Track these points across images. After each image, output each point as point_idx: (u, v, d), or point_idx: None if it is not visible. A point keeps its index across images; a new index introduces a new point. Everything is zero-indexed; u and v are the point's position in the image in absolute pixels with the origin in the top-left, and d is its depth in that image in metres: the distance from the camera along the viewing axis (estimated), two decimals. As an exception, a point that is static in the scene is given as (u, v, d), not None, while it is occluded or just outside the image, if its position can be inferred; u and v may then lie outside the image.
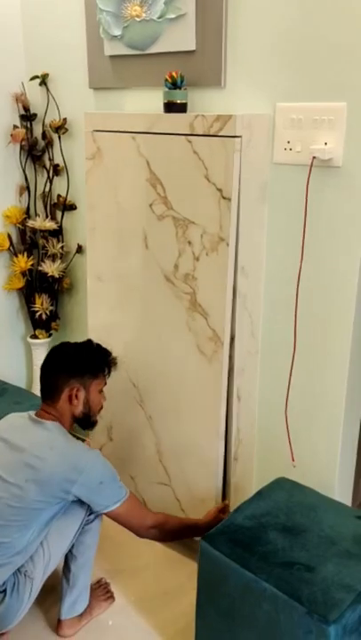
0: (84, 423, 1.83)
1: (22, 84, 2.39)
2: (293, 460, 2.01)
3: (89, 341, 1.89)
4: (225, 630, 1.57)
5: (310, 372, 1.92)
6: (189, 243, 1.88)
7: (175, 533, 1.87)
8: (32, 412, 1.78)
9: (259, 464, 2.16)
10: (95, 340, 1.94)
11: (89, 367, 1.80)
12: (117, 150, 2.01)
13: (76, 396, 1.76)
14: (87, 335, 2.18)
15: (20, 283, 2.53)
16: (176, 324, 1.99)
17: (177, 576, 2.08)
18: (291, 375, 1.95)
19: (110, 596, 2.00)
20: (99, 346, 1.87)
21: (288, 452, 2.04)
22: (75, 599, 1.86)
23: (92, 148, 2.08)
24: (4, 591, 1.62)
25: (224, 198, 1.75)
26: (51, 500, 1.64)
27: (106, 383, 1.86)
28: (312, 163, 1.68)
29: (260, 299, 1.98)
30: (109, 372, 1.87)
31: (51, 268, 2.45)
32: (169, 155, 1.87)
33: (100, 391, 1.84)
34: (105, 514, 1.73)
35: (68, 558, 1.84)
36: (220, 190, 1.75)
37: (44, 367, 1.82)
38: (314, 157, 1.67)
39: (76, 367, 1.78)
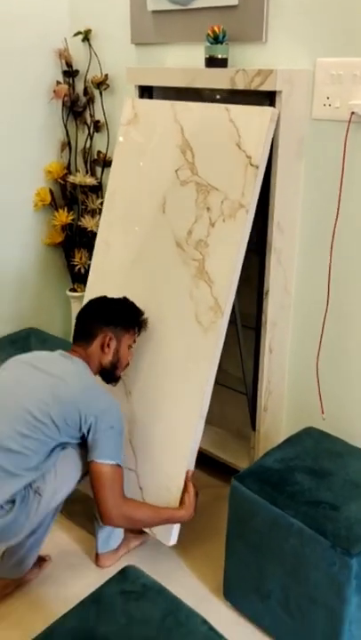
0: (109, 376, 1.87)
1: (65, 39, 2.43)
2: (323, 412, 2.09)
3: (125, 298, 1.94)
4: (253, 563, 1.67)
5: (342, 326, 1.97)
6: (208, 209, 1.88)
7: (149, 523, 1.82)
8: (61, 351, 1.83)
9: (287, 415, 2.24)
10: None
11: (124, 320, 1.86)
12: (154, 116, 2.03)
13: (109, 344, 1.82)
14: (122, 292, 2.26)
15: (60, 237, 2.61)
16: (179, 291, 1.95)
17: (207, 513, 2.20)
18: (323, 330, 2.00)
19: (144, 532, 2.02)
20: (133, 304, 1.92)
21: (317, 404, 2.11)
22: (108, 535, 1.94)
23: (129, 114, 2.10)
24: (14, 502, 1.62)
25: (252, 165, 1.77)
26: (66, 427, 1.65)
27: (135, 341, 1.92)
28: (351, 118, 1.70)
29: (295, 254, 2.03)
30: (140, 331, 1.92)
31: (90, 223, 2.53)
32: (204, 122, 1.89)
33: (130, 347, 1.89)
34: (95, 465, 1.65)
35: None
36: (249, 157, 1.77)
37: (81, 313, 1.88)
38: (353, 113, 1.69)
39: (113, 317, 1.85)
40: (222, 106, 1.83)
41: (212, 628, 1.25)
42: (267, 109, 1.73)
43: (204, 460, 2.40)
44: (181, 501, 1.83)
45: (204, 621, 1.27)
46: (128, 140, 2.13)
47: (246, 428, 2.35)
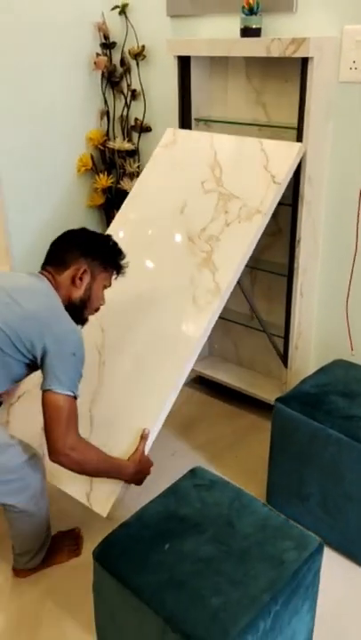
0: (75, 315, 1.66)
1: (102, 13, 2.61)
2: (353, 349, 2.34)
3: (109, 236, 1.81)
4: (294, 471, 1.94)
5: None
6: (226, 212, 2.05)
7: (97, 468, 1.62)
8: (28, 271, 1.69)
9: (315, 353, 2.50)
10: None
11: (104, 256, 1.71)
12: (191, 142, 2.28)
13: (81, 277, 1.66)
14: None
15: (101, 199, 2.84)
16: (180, 278, 2.00)
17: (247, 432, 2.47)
18: (352, 272, 2.24)
19: (76, 550, 1.91)
20: (117, 244, 1.77)
21: (342, 341, 2.37)
22: (19, 559, 1.82)
23: (168, 139, 2.34)
24: None
25: (275, 183, 2.01)
26: (18, 341, 1.51)
27: (110, 284, 1.77)
28: (376, 80, 1.91)
29: (322, 206, 2.25)
30: (118, 274, 1.77)
31: (128, 185, 2.75)
32: (238, 150, 2.17)
33: (104, 288, 1.74)
34: (50, 394, 1.51)
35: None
36: (273, 176, 2.03)
37: (57, 239, 1.73)
38: (378, 74, 1.90)
39: (92, 250, 1.69)
40: (256, 139, 2.13)
41: (271, 509, 1.52)
42: (295, 145, 2.04)
43: (237, 397, 2.68)
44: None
45: (264, 504, 1.54)
46: (162, 157, 2.34)
47: (276, 369, 2.62)
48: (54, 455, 1.53)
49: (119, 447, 1.74)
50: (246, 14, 2.08)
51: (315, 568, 1.42)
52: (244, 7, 2.07)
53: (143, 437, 1.72)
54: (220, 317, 2.00)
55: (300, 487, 1.94)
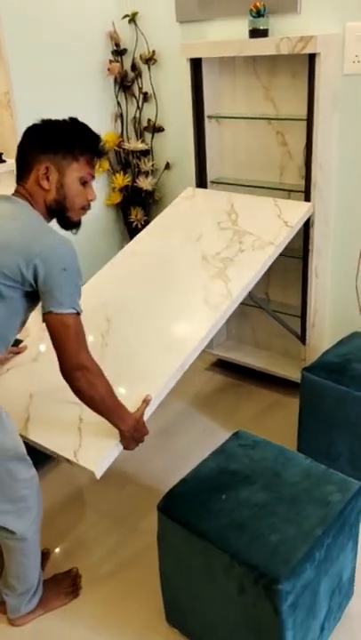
0: (61, 219, 1.56)
1: (113, 22, 2.78)
2: (364, 321, 2.51)
3: (74, 119, 1.56)
4: (323, 434, 2.11)
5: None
6: (240, 242, 2.20)
7: (104, 398, 1.49)
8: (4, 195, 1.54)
9: (330, 329, 2.66)
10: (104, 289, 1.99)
11: (65, 144, 1.49)
12: (209, 198, 2.54)
13: (46, 176, 1.49)
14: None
15: (118, 198, 3.00)
16: (193, 285, 2.06)
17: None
18: (361, 253, 2.42)
19: (74, 592, 1.84)
20: (84, 125, 1.55)
21: (355, 316, 2.54)
22: (18, 602, 1.72)
23: (188, 194, 2.59)
24: None
25: (287, 226, 2.22)
26: (10, 280, 1.41)
27: (93, 177, 1.56)
28: (379, 71, 2.09)
29: (333, 191, 2.42)
30: (94, 157, 1.55)
31: (144, 183, 2.91)
32: (254, 204, 2.40)
33: (84, 183, 1.54)
34: (52, 316, 1.41)
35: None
36: (286, 222, 2.24)
37: (19, 143, 1.54)
38: (381, 66, 2.08)
39: (50, 141, 1.49)
40: (271, 198, 2.39)
41: (312, 461, 1.68)
42: (305, 204, 2.31)
43: (258, 376, 2.85)
44: None
45: (306, 457, 1.70)
46: (181, 204, 2.57)
47: (293, 348, 2.78)
48: (67, 374, 1.44)
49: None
50: (254, 17, 2.25)
51: (357, 508, 1.58)
52: (251, 10, 2.24)
53: (145, 401, 1.62)
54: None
55: (329, 448, 2.10)
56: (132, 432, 1.57)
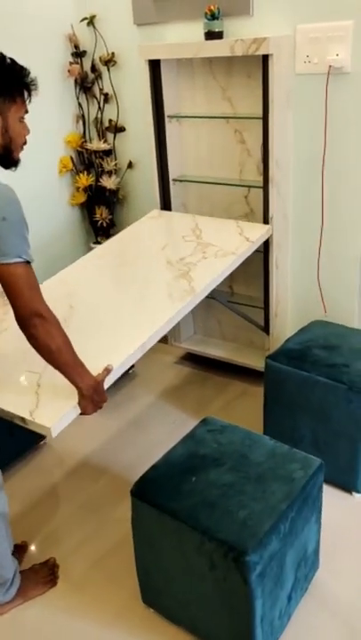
0: (5, 161, 1.53)
1: (72, 25, 2.82)
2: (326, 311, 2.62)
3: (1, 55, 1.48)
4: (287, 417, 2.20)
5: (336, 240, 2.50)
6: (203, 252, 2.31)
7: (62, 350, 1.48)
8: None
9: (292, 319, 2.77)
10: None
11: (4, 88, 1.45)
12: (174, 218, 2.70)
13: None
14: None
15: (83, 197, 3.05)
16: (157, 282, 2.15)
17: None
18: (320, 244, 2.52)
19: (52, 580, 1.90)
20: (14, 61, 1.49)
21: (315, 306, 2.65)
22: None
23: (154, 215, 2.74)
24: None
25: (248, 241, 2.37)
26: None
27: (27, 111, 1.54)
28: (329, 70, 2.20)
29: (290, 186, 2.52)
30: (30, 96, 1.52)
31: (108, 182, 2.97)
32: (217, 225, 2.56)
33: (22, 120, 1.52)
34: (4, 267, 1.40)
35: None
36: (247, 238, 2.38)
37: None
38: (330, 66, 2.18)
39: None
40: (233, 221, 2.57)
41: (276, 442, 1.77)
42: (265, 226, 2.48)
43: (225, 368, 2.94)
44: None
45: (270, 439, 1.79)
46: (147, 222, 2.68)
47: (257, 340, 2.88)
48: (22, 321, 1.43)
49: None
50: (209, 19, 2.33)
51: (318, 483, 1.68)
52: (206, 13, 2.32)
53: (106, 369, 1.63)
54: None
55: (293, 432, 2.20)
56: (90, 392, 1.56)
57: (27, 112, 1.53)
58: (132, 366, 3.05)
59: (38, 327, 1.44)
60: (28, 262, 1.43)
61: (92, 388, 1.56)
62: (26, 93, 1.50)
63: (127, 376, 3.03)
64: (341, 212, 2.44)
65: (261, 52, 2.18)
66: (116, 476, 2.36)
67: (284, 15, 2.26)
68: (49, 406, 1.58)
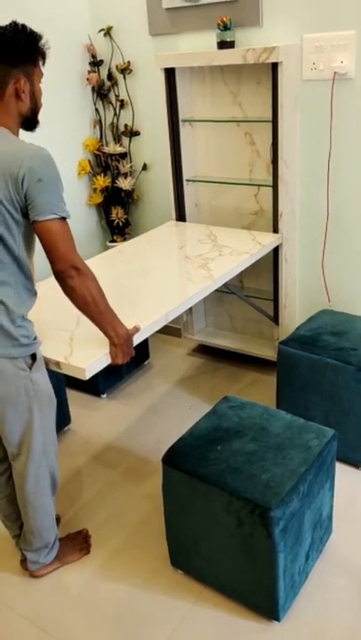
0: (30, 124, 1.67)
1: (89, 36, 3.00)
2: (330, 300, 2.79)
3: (14, 24, 1.58)
4: (299, 399, 2.37)
5: (340, 235, 2.67)
6: (219, 251, 2.51)
7: (97, 300, 1.61)
8: None
9: (300, 310, 2.93)
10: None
11: (27, 53, 1.57)
12: (190, 227, 2.89)
13: (23, 90, 1.58)
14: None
15: (100, 198, 3.21)
16: (177, 271, 2.38)
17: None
18: (325, 239, 2.70)
19: (86, 548, 2.05)
20: (25, 27, 1.60)
21: (321, 297, 2.82)
22: (36, 556, 1.92)
23: (170, 224, 2.92)
24: None
25: (260, 244, 2.57)
26: (11, 206, 1.50)
27: (43, 73, 1.67)
28: (334, 76, 2.37)
29: (297, 184, 2.70)
30: (44, 59, 1.65)
31: (124, 183, 3.14)
32: (232, 233, 2.74)
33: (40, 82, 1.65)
34: (37, 225, 1.50)
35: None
36: (259, 242, 2.59)
37: None
38: (335, 72, 2.36)
39: (15, 54, 1.55)
40: (247, 231, 2.76)
41: (293, 415, 1.93)
42: (275, 235, 2.67)
43: (236, 358, 3.10)
44: None
45: (287, 413, 1.95)
46: (164, 229, 2.89)
47: (267, 331, 3.05)
48: (59, 274, 1.54)
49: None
50: (221, 30, 2.51)
51: (332, 451, 1.84)
52: (219, 24, 2.50)
53: (135, 327, 1.78)
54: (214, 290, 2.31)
55: (305, 412, 2.36)
56: (121, 342, 1.69)
57: (43, 74, 1.66)
58: (148, 357, 3.22)
59: (75, 279, 1.55)
60: (63, 218, 1.53)
61: (122, 338, 1.69)
62: (41, 58, 1.62)
63: (143, 367, 3.19)
64: (345, 207, 2.61)
65: (271, 60, 2.35)
66: (139, 457, 2.52)
67: (291, 25, 2.44)
68: (82, 354, 1.73)
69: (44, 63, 1.64)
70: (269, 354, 2.95)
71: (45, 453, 1.79)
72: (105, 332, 1.69)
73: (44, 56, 1.63)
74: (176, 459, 1.79)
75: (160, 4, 2.72)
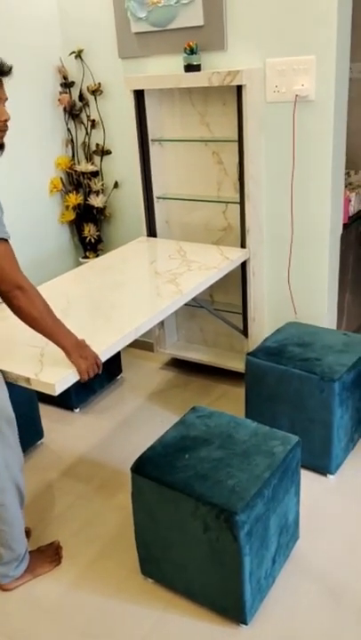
0: None
1: (61, 58, 3.08)
2: (296, 313, 2.87)
3: None
4: (266, 408, 2.43)
5: (304, 250, 2.76)
6: (188, 266, 2.58)
7: (43, 317, 1.68)
8: None
9: (268, 322, 3.01)
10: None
11: None
12: (160, 242, 2.97)
13: None
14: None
15: (72, 215, 3.27)
16: (146, 286, 2.44)
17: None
18: (290, 253, 2.79)
19: (57, 560, 2.06)
20: None
21: (288, 309, 2.90)
22: (6, 570, 1.94)
23: (141, 240, 2.92)
24: None
25: (228, 259, 2.65)
26: None
27: (6, 97, 1.69)
28: (296, 99, 2.48)
29: (263, 201, 2.79)
30: (2, 76, 1.67)
31: (95, 201, 3.20)
32: (200, 248, 2.82)
33: (2, 102, 1.67)
34: None
35: None
36: (227, 257, 2.67)
37: None
38: (297, 95, 2.47)
39: None
40: (215, 246, 2.85)
41: (258, 423, 1.99)
42: (242, 250, 2.76)
43: (208, 371, 3.16)
44: None
45: (252, 421, 2.01)
46: (134, 245, 2.96)
47: (237, 344, 3.12)
48: (5, 294, 1.60)
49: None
50: (188, 54, 2.60)
51: (296, 457, 1.90)
52: (186, 48, 2.60)
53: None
54: (184, 305, 2.39)
55: (272, 421, 2.42)
56: (75, 349, 1.74)
57: (5, 96, 1.66)
58: (120, 372, 3.26)
59: (20, 298, 1.62)
60: (4, 240, 1.59)
61: (74, 345, 1.75)
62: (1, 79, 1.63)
63: (116, 381, 3.23)
64: (308, 223, 2.71)
65: (236, 82, 2.45)
66: (111, 470, 2.55)
67: (255, 50, 2.54)
68: (52, 370, 1.78)
69: (1, 85, 1.65)
70: (240, 366, 3.00)
71: (8, 467, 1.81)
72: (57, 344, 1.75)
73: (2, 74, 1.63)
74: (145, 467, 1.83)
75: (129, 28, 2.81)
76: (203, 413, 2.07)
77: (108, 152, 3.19)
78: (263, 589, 1.83)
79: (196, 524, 1.71)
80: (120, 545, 2.13)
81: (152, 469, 1.81)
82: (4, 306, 1.68)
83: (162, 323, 3.18)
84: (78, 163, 3.25)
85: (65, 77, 3.11)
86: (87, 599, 1.94)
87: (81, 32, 3.02)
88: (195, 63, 2.61)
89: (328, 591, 1.91)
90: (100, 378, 3.06)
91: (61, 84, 3.13)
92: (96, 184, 3.22)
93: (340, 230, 2.82)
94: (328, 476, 2.39)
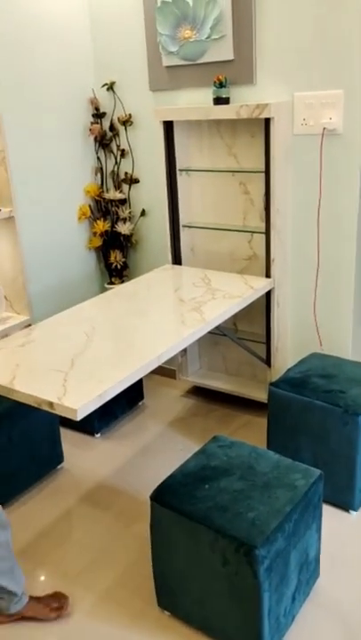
0: None
1: (93, 90, 3.17)
2: (321, 344, 2.85)
3: None
4: (289, 440, 2.40)
5: (331, 281, 2.75)
6: (212, 295, 2.58)
7: None
8: None
9: (291, 352, 2.99)
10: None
11: None
12: (185, 270, 3.02)
13: None
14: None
15: (99, 242, 3.32)
16: (170, 314, 2.42)
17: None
18: (316, 284, 2.78)
19: (60, 610, 1.97)
20: None
21: (312, 340, 2.88)
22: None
23: (166, 268, 2.96)
24: None
25: (252, 288, 2.64)
26: None
27: None
28: (323, 132, 2.50)
29: (289, 231, 2.80)
30: None
31: (123, 228, 3.25)
32: (223, 276, 2.84)
33: None
34: None
35: None
36: (251, 287, 2.67)
37: None
38: (324, 128, 2.49)
39: None
40: (240, 275, 2.86)
41: (280, 456, 1.97)
42: (267, 280, 2.75)
43: (229, 400, 3.14)
44: None
45: (275, 453, 1.98)
46: (158, 273, 2.99)
47: (260, 373, 3.10)
48: None
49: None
50: (217, 87, 2.66)
51: (318, 492, 1.87)
52: (215, 82, 2.65)
53: None
54: (208, 332, 2.39)
55: (295, 453, 2.39)
56: None
57: None
58: (142, 398, 3.26)
59: None
60: None
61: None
62: None
63: (137, 407, 3.23)
64: (335, 254, 2.71)
65: (264, 115, 2.49)
66: (130, 497, 2.53)
67: (283, 84, 2.59)
68: (75, 394, 1.78)
69: None
70: (262, 396, 2.99)
71: None
72: None
73: None
74: (164, 496, 1.81)
75: (161, 62, 2.88)
76: (224, 443, 2.05)
77: (137, 181, 3.24)
78: (282, 628, 1.78)
79: (215, 556, 1.69)
80: (137, 575, 2.10)
81: (171, 498, 1.80)
82: (28, 330, 1.69)
83: (184, 350, 3.18)
84: (107, 190, 3.31)
85: (97, 108, 3.19)
86: (102, 630, 1.91)
87: (113, 65, 3.10)
88: (224, 96, 2.66)
89: (349, 632, 1.85)
90: (122, 404, 3.07)
91: (93, 115, 3.21)
92: (124, 211, 3.27)
93: (366, 262, 2.82)
94: (351, 512, 2.33)
